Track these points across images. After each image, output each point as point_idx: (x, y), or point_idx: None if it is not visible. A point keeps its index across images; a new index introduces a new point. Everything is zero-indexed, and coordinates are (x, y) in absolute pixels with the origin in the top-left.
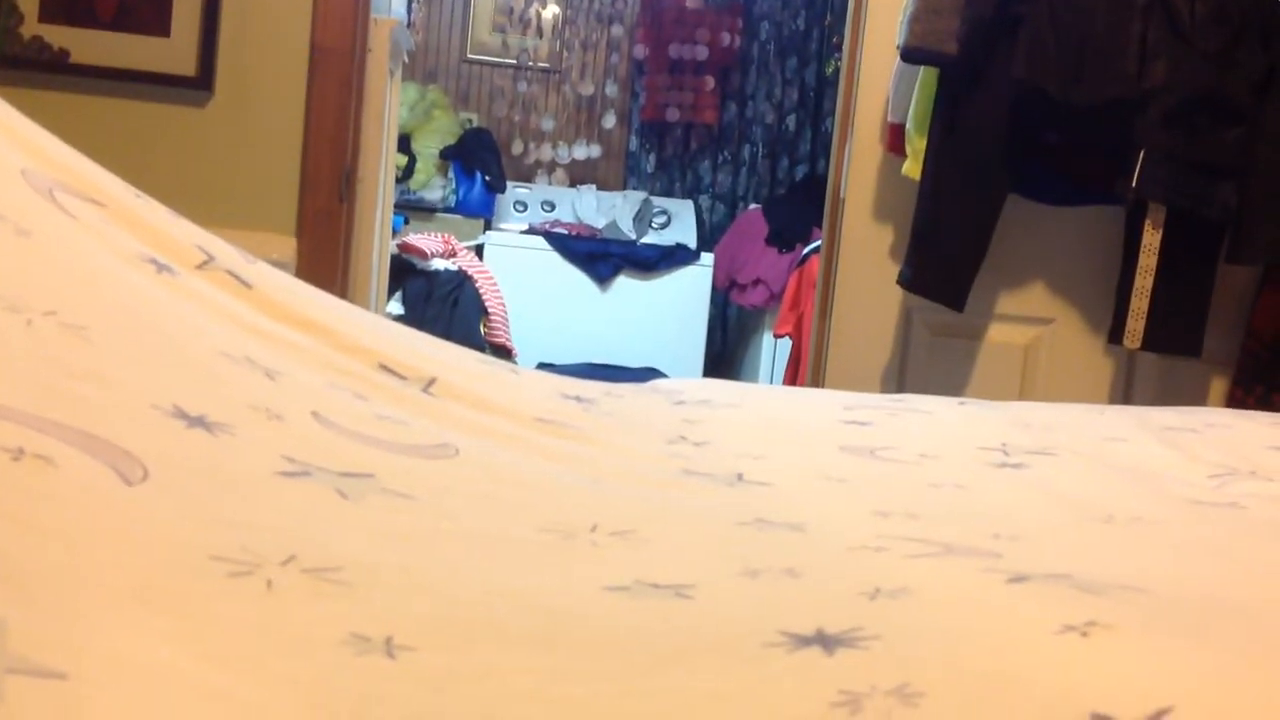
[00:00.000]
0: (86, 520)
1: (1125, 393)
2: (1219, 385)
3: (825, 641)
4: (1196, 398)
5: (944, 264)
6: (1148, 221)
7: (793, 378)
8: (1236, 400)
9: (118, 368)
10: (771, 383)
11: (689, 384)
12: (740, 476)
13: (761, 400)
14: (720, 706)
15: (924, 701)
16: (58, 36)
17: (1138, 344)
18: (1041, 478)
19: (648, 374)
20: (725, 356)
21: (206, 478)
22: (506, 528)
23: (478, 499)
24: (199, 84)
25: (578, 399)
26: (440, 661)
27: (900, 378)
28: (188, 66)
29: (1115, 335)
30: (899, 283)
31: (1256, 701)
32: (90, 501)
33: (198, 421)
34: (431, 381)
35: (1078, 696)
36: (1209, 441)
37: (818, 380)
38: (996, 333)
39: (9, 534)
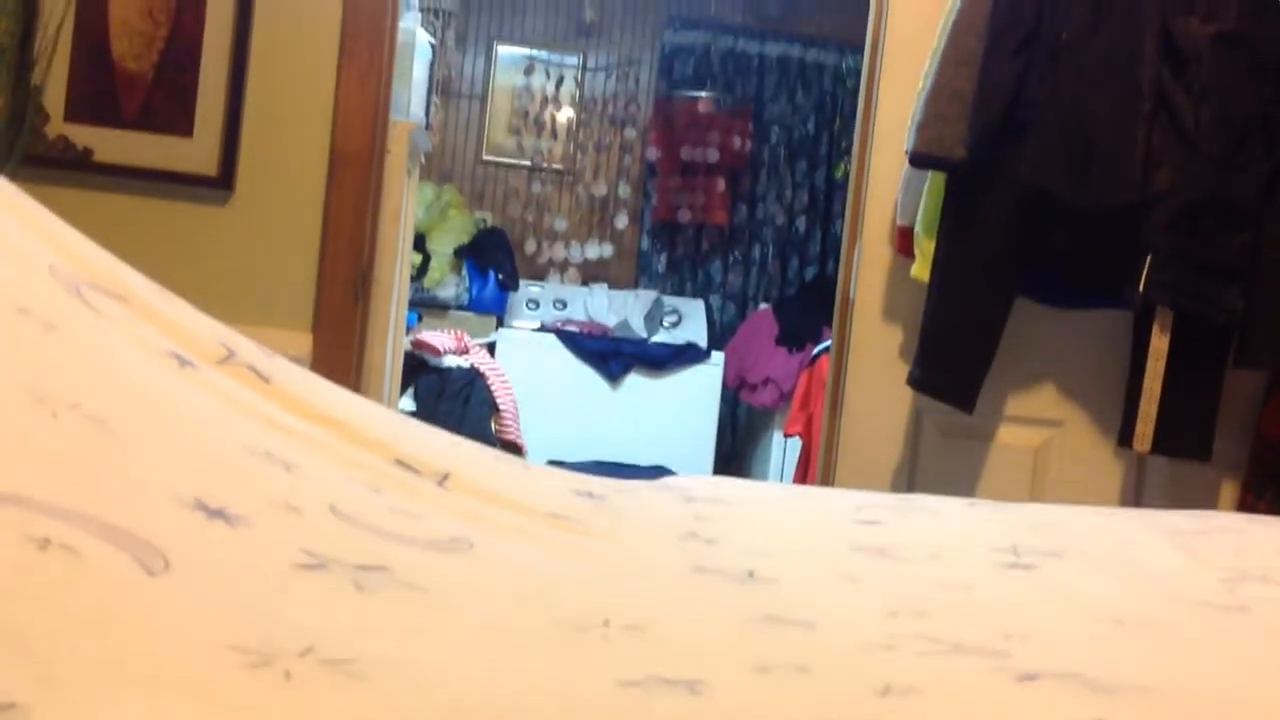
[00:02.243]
0: (109, 609)
1: (1136, 495)
2: (1229, 489)
3: None
4: (1207, 501)
5: (953, 365)
6: (1155, 325)
7: (802, 477)
8: (1247, 505)
9: (140, 460)
10: (781, 481)
11: (700, 481)
12: (751, 574)
13: (772, 498)
14: None
15: None
16: (82, 136)
17: (1147, 447)
18: (1051, 579)
19: (658, 472)
20: (735, 455)
21: (226, 569)
22: (520, 621)
23: (491, 593)
24: (220, 183)
25: (590, 495)
26: None
27: (910, 478)
28: (210, 166)
29: (1125, 438)
30: (909, 383)
31: None
32: (113, 591)
33: (218, 514)
34: (446, 476)
35: None
36: (1219, 545)
37: (828, 479)
38: (1006, 434)
39: (35, 620)
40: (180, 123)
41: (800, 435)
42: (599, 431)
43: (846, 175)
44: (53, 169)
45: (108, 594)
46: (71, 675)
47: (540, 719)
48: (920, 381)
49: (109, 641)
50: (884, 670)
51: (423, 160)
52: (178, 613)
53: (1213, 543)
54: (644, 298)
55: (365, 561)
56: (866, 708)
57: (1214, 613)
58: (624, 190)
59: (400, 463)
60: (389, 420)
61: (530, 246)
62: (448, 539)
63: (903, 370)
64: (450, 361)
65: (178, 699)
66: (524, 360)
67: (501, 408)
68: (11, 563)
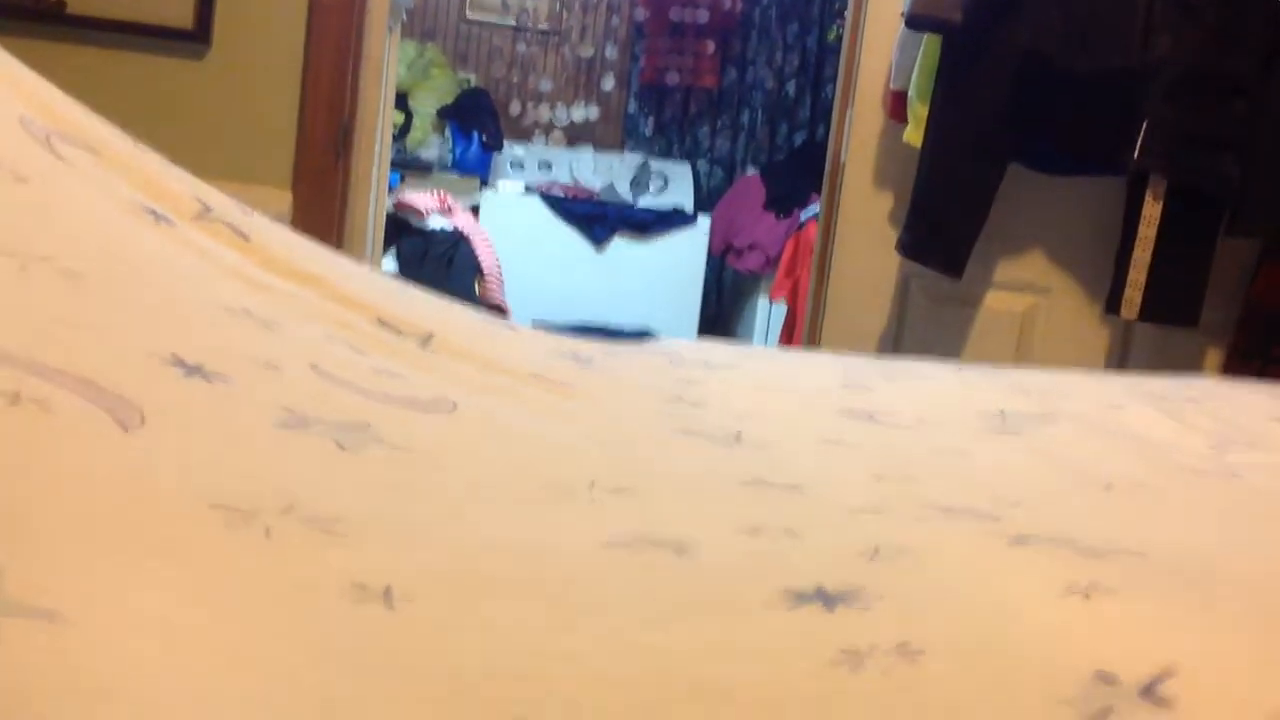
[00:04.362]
0: (83, 466)
1: (1121, 361)
2: (1214, 356)
3: (826, 599)
4: (1191, 368)
5: (943, 231)
6: (1148, 193)
7: (787, 341)
8: (1232, 371)
9: (115, 315)
10: (766, 346)
11: (687, 344)
12: (739, 437)
13: (759, 362)
14: (721, 662)
15: (925, 659)
16: None
17: (1135, 314)
18: (1040, 444)
19: (642, 335)
20: (720, 319)
21: (204, 426)
22: (505, 482)
23: (475, 453)
24: (196, 37)
25: (575, 357)
26: (439, 613)
27: (896, 343)
28: (185, 19)
29: (1112, 305)
30: (897, 249)
31: (1257, 665)
32: (87, 447)
33: (195, 370)
34: (429, 337)
35: (1080, 656)
36: (1208, 411)
37: (813, 344)
38: (994, 300)
39: (4, 479)
40: None
41: (786, 300)
42: (583, 294)
43: (839, 38)
44: (25, 20)
45: (81, 450)
46: (43, 534)
47: (527, 578)
48: (909, 247)
49: (82, 498)
50: (873, 533)
51: (404, 17)
52: (153, 470)
53: (1200, 409)
54: (630, 161)
55: (347, 420)
56: (857, 569)
57: (1203, 478)
58: (611, 52)
59: (382, 322)
60: (371, 280)
61: (515, 108)
62: (431, 399)
63: (892, 236)
64: (434, 224)
65: (153, 557)
66: (508, 223)
67: (486, 270)
68: None
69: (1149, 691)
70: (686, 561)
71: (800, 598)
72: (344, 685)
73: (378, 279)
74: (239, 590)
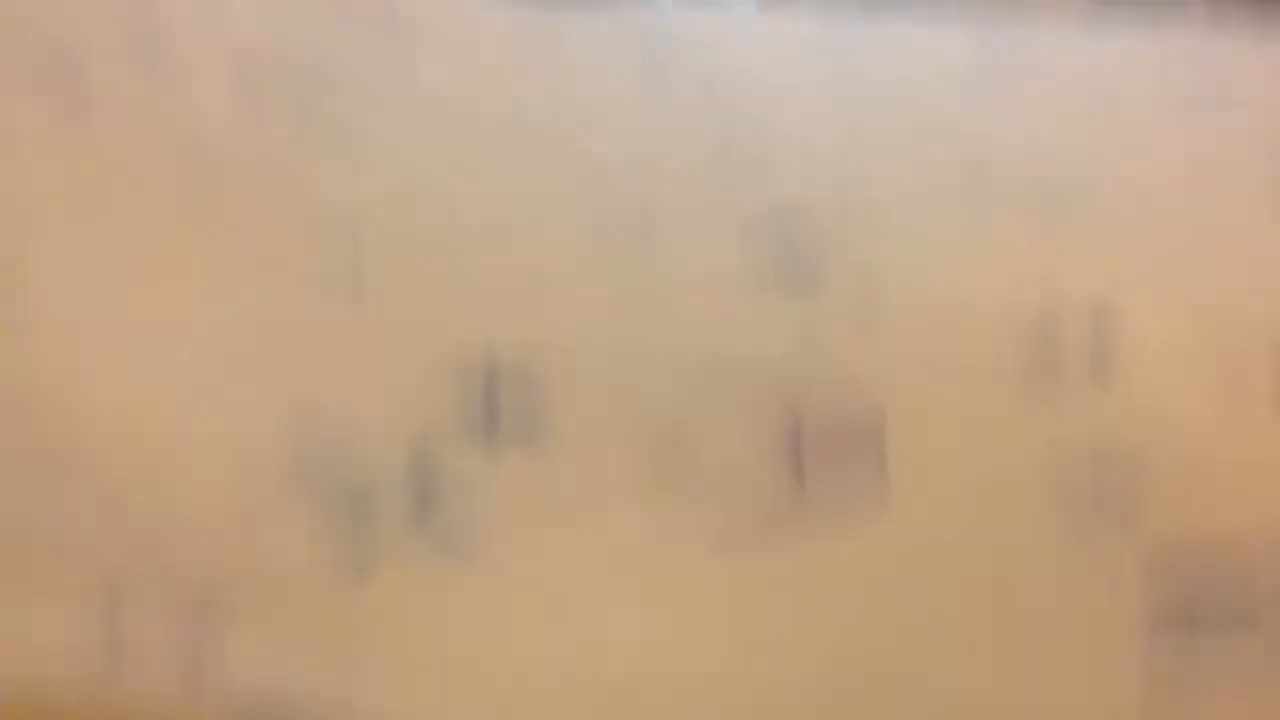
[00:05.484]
0: (36, 149)
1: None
2: None
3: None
4: None
5: None
6: None
7: None
8: None
9: None
10: None
11: None
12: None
13: (731, 21)
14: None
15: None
16: None
17: None
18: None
19: None
20: None
21: (153, 104)
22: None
23: (442, 127)
24: None
25: None
26: (408, 274)
27: None
28: None
29: None
30: None
31: (1197, 286)
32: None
33: None
34: None
35: (1030, 293)
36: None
37: None
38: None
39: None
40: None
41: None
42: None
43: None
44: None
45: (33, 139)
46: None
47: (501, 249)
48: None
49: (37, 175)
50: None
51: None
52: (107, 147)
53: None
54: None
55: (305, 94)
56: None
57: (1184, 114)
58: None
59: None
60: None
61: None
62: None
63: None
64: None
65: (105, 239)
66: None
67: None
68: None
69: (1091, 338)
70: (645, 224)
71: (760, 249)
72: (300, 358)
73: None
74: (197, 270)
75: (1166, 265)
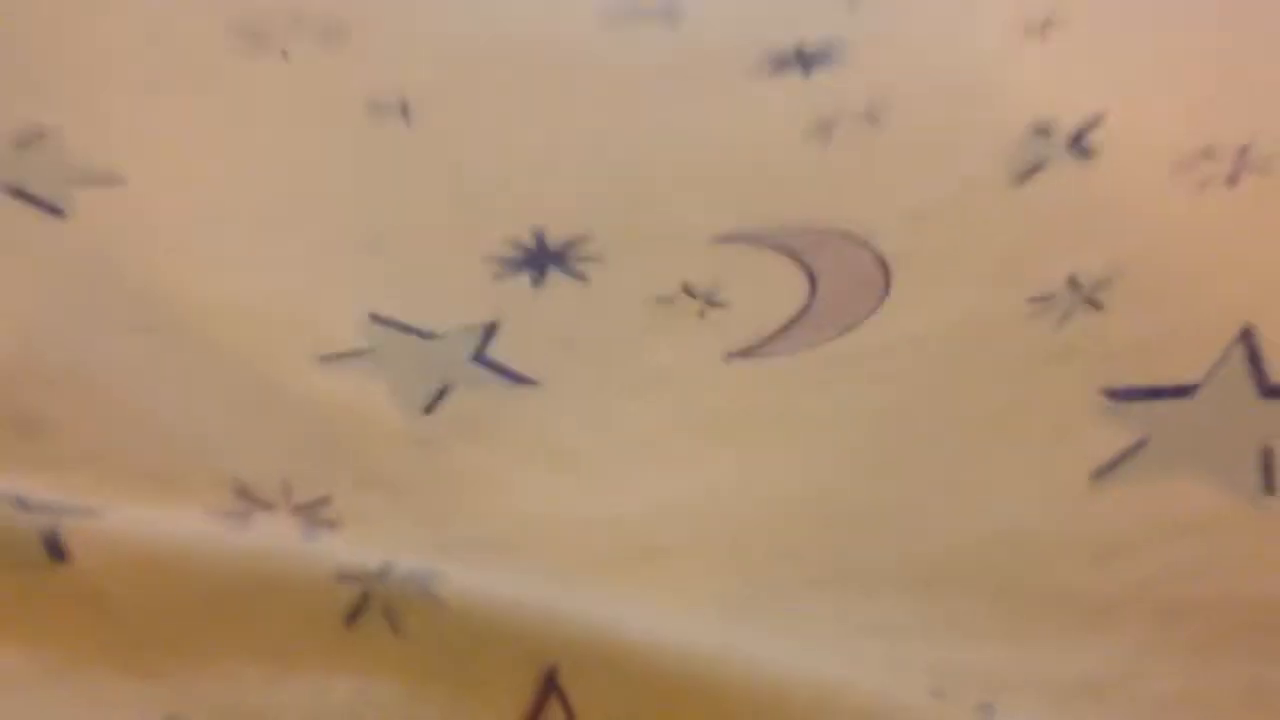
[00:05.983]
0: (98, 14)
1: None
2: None
3: (804, 62)
4: None
5: None
6: None
7: None
8: None
9: None
10: None
11: None
12: None
13: None
14: (702, 133)
15: (886, 123)
16: None
17: None
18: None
19: None
20: None
21: None
22: None
23: None
24: None
25: None
26: (452, 124)
27: None
28: None
29: None
30: None
31: (1175, 115)
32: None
33: None
34: None
35: (1023, 110)
36: None
37: None
38: None
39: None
40: None
41: None
42: None
43: None
44: None
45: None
46: (79, 93)
47: (526, 62)
48: None
49: (104, 50)
50: None
51: None
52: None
53: None
54: None
55: None
56: (835, 20)
57: None
58: None
59: None
60: None
61: None
62: None
63: None
64: None
65: (186, 95)
66: None
67: None
68: None
69: (1076, 141)
70: (674, 29)
71: (780, 62)
72: (365, 191)
73: None
74: (266, 113)
75: (1148, 79)
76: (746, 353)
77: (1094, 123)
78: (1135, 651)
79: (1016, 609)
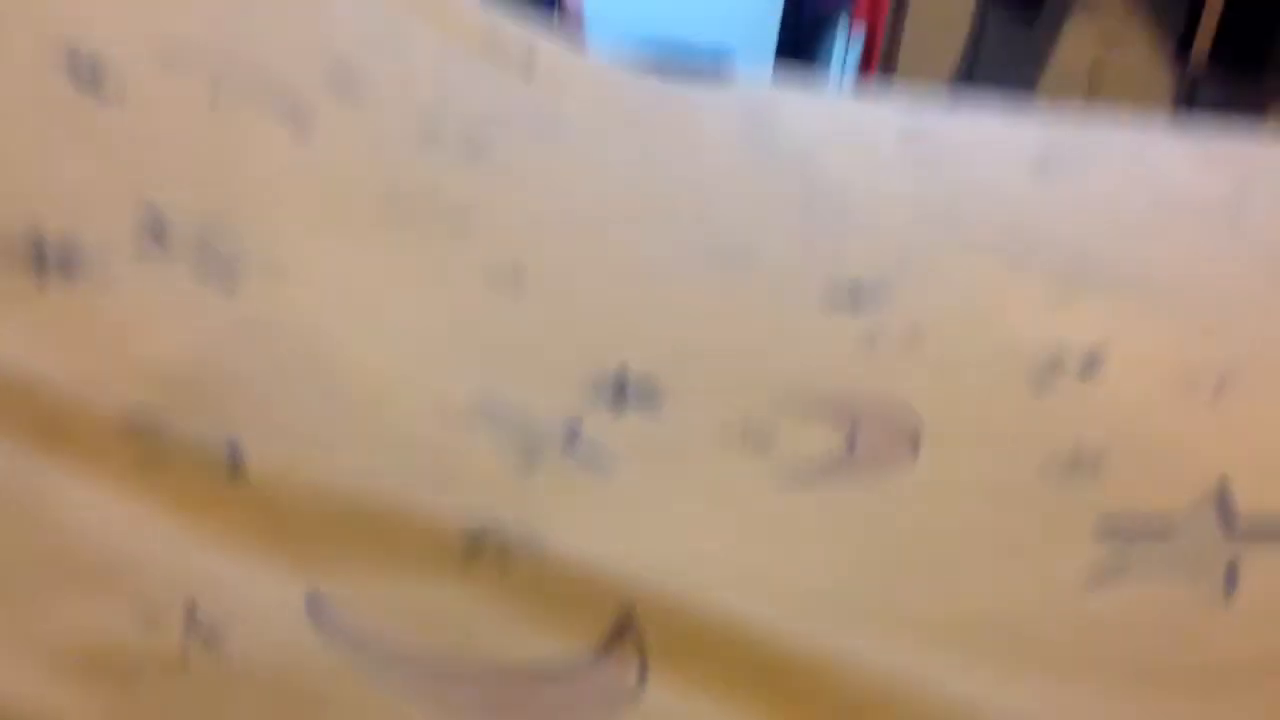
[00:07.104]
0: (274, 166)
1: (1186, 109)
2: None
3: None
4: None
5: None
6: None
7: (866, 69)
8: None
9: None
10: (843, 70)
11: (761, 88)
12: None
13: (827, 107)
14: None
15: (925, 340)
16: None
17: (1203, 61)
18: (1070, 186)
19: (718, 56)
20: (798, 44)
21: (359, 135)
22: (615, 197)
23: (584, 170)
24: None
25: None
26: (561, 287)
27: (970, 76)
28: None
29: (1183, 47)
30: None
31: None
32: (273, 153)
33: (348, 85)
34: (532, 54)
35: (1039, 344)
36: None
37: (889, 73)
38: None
39: (222, 162)
40: None
41: (865, 21)
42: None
43: None
44: None
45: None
46: (263, 210)
47: (629, 265)
48: None
49: (283, 188)
50: (906, 248)
51: None
52: (327, 168)
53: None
54: None
55: (473, 135)
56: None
57: (1205, 217)
58: None
59: (487, 41)
60: None
61: None
62: (545, 117)
63: None
64: None
65: (337, 239)
66: None
67: None
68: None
69: (1085, 364)
70: (748, 265)
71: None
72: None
73: None
74: (402, 269)
75: (1147, 324)
76: (791, 485)
77: (1101, 348)
78: None
79: None
